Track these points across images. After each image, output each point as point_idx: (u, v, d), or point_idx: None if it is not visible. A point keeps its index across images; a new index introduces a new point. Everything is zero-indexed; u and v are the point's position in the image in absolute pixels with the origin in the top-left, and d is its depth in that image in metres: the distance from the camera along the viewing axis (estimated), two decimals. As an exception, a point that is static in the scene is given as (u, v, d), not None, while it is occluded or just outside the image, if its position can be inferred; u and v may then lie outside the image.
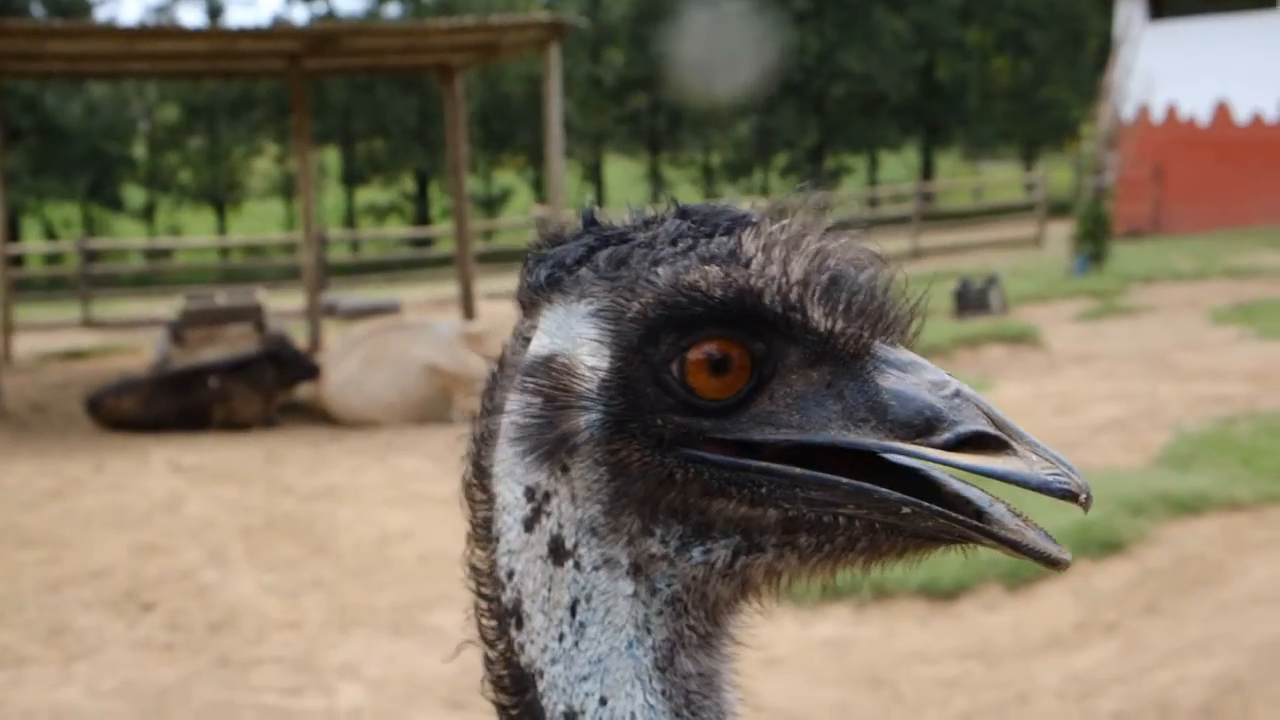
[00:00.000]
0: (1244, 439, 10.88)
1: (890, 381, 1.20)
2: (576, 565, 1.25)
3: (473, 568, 1.32)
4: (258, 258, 38.46)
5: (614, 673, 1.24)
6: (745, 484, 1.20)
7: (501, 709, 1.30)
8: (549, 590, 1.26)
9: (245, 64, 20.41)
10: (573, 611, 1.25)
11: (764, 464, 1.20)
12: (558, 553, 1.25)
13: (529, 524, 1.26)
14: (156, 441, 14.17)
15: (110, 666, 7.78)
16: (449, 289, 23.92)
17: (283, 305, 22.98)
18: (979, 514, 1.18)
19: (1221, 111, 32.64)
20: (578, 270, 1.26)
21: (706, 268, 1.20)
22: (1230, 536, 8.71)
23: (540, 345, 1.27)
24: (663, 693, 1.24)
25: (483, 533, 1.31)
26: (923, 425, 1.18)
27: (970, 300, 20.15)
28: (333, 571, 9.54)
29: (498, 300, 25.02)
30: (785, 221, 1.25)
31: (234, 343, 16.56)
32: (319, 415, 15.37)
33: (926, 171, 59.34)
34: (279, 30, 21.34)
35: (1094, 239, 24.88)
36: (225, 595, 9.06)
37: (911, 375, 1.21)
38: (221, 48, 18.49)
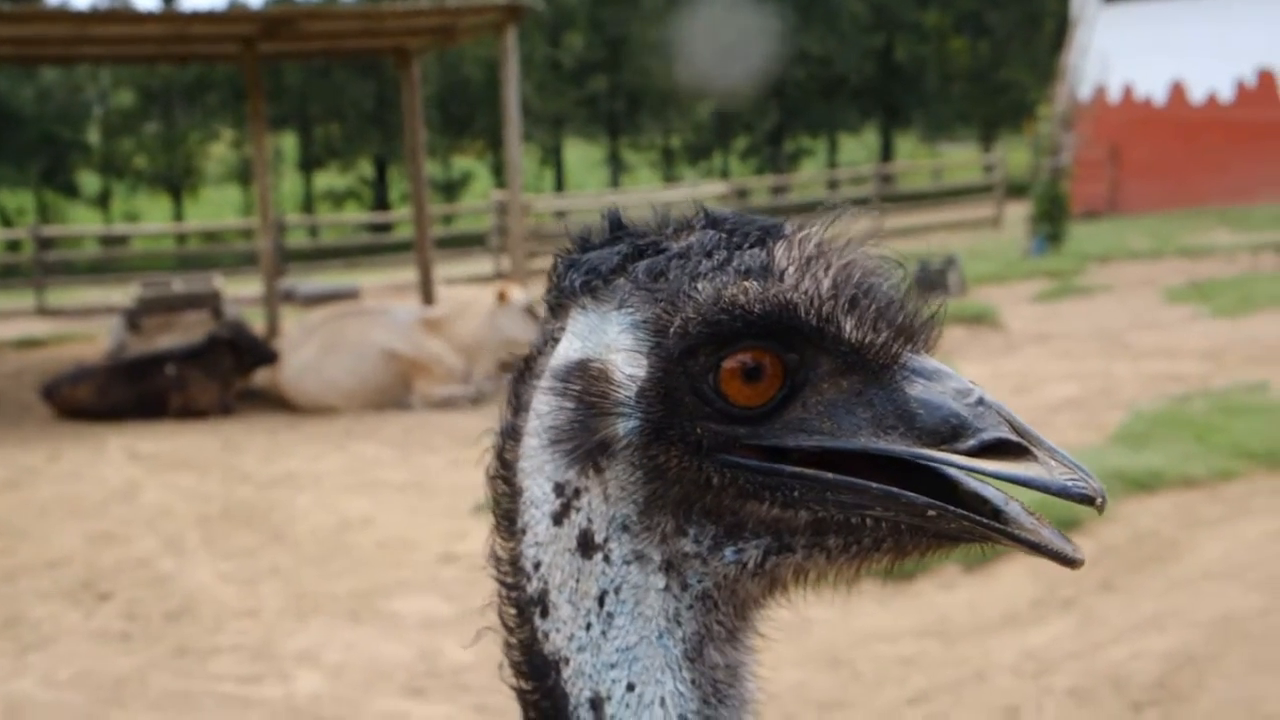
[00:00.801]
0: (1198, 416, 10.96)
1: (918, 390, 1.26)
2: (606, 559, 1.29)
3: (495, 557, 1.36)
4: (215, 244, 38.19)
5: (643, 660, 1.29)
6: (779, 488, 1.25)
7: (520, 693, 1.35)
8: (577, 581, 1.30)
9: (199, 48, 20.24)
10: (600, 602, 1.29)
11: (797, 469, 1.25)
12: (587, 546, 1.29)
13: (558, 518, 1.30)
14: (113, 430, 14.08)
15: (66, 656, 7.73)
16: (408, 274, 23.84)
17: (241, 292, 22.85)
18: (996, 513, 1.24)
19: (1177, 91, 32.83)
20: (614, 279, 1.30)
21: (745, 283, 1.24)
22: (1184, 513, 8.78)
23: (571, 349, 1.31)
24: (692, 681, 1.29)
25: (506, 524, 1.34)
26: (949, 432, 1.23)
27: (928, 281, 20.20)
28: (291, 559, 9.50)
29: (457, 285, 24.97)
30: (814, 233, 1.29)
31: (191, 330, 16.48)
32: (277, 402, 15.29)
33: (886, 153, 59.49)
34: (233, 14, 21.15)
35: (1051, 219, 25.01)
36: (182, 584, 9.01)
37: (937, 384, 1.26)
38: (175, 31, 18.34)
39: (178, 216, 52.51)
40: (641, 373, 1.26)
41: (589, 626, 1.30)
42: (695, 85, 55.48)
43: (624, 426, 1.26)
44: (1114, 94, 33.54)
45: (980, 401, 1.25)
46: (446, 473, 11.77)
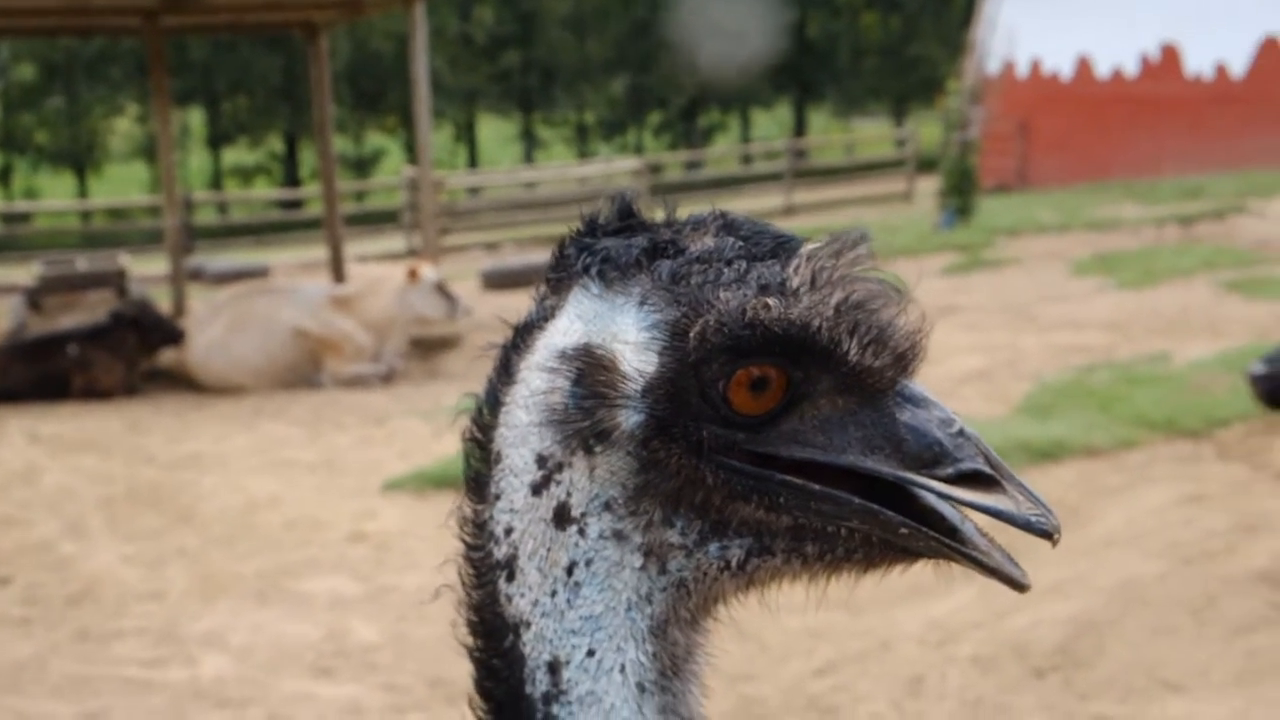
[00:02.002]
0: (1101, 387, 11.13)
1: (907, 416, 1.33)
2: (581, 532, 1.34)
3: (462, 518, 1.40)
4: (121, 222, 37.49)
5: (606, 630, 1.34)
6: (767, 492, 1.31)
7: (474, 651, 1.39)
8: (548, 550, 1.34)
9: (100, 20, 19.79)
10: (569, 572, 1.34)
11: (786, 477, 1.31)
12: (562, 518, 1.34)
13: (537, 489, 1.35)
14: (13, 411, 13.79)
15: (-37, 643, 7.58)
16: (319, 252, 23.57)
17: (147, 270, 22.46)
18: (953, 531, 1.33)
19: (1083, 66, 33.22)
20: (633, 272, 1.34)
21: (768, 300, 1.29)
22: (1087, 482, 8.91)
23: (572, 329, 1.35)
24: (653, 654, 1.35)
25: (477, 488, 1.39)
26: (930, 459, 1.31)
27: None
28: (197, 540, 9.38)
29: (370, 263, 24.74)
30: (826, 253, 1.34)
31: (94, 309, 16.16)
32: (184, 382, 15.07)
33: (799, 128, 59.71)
34: (135, -13, 20.72)
35: (960, 193, 25.21)
36: (85, 567, 8.87)
37: (924, 411, 1.33)
38: (75, 3, 17.90)
39: (81, 194, 51.56)
40: (651, 370, 1.30)
41: (554, 594, 1.34)
42: (609, 60, 55.42)
43: (628, 418, 1.31)
44: (1022, 69, 33.89)
45: (961, 433, 1.32)
46: (356, 451, 11.67)
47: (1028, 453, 9.24)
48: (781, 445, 1.31)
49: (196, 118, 56.00)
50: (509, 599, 1.36)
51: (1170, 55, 31.81)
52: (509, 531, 1.36)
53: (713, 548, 1.33)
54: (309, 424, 13.04)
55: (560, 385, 1.33)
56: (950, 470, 1.30)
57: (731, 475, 1.30)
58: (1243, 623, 6.57)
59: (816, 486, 1.31)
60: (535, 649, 1.35)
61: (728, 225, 1.37)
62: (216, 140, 55.02)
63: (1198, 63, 31.38)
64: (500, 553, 1.36)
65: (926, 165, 34.41)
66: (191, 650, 7.42)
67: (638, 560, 1.33)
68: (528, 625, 1.35)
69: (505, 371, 1.39)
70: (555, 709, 1.34)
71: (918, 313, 1.38)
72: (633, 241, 1.36)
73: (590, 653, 1.34)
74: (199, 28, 24.16)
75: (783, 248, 1.35)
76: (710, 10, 50.03)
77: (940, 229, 24.73)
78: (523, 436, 1.35)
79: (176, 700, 6.81)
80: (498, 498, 1.37)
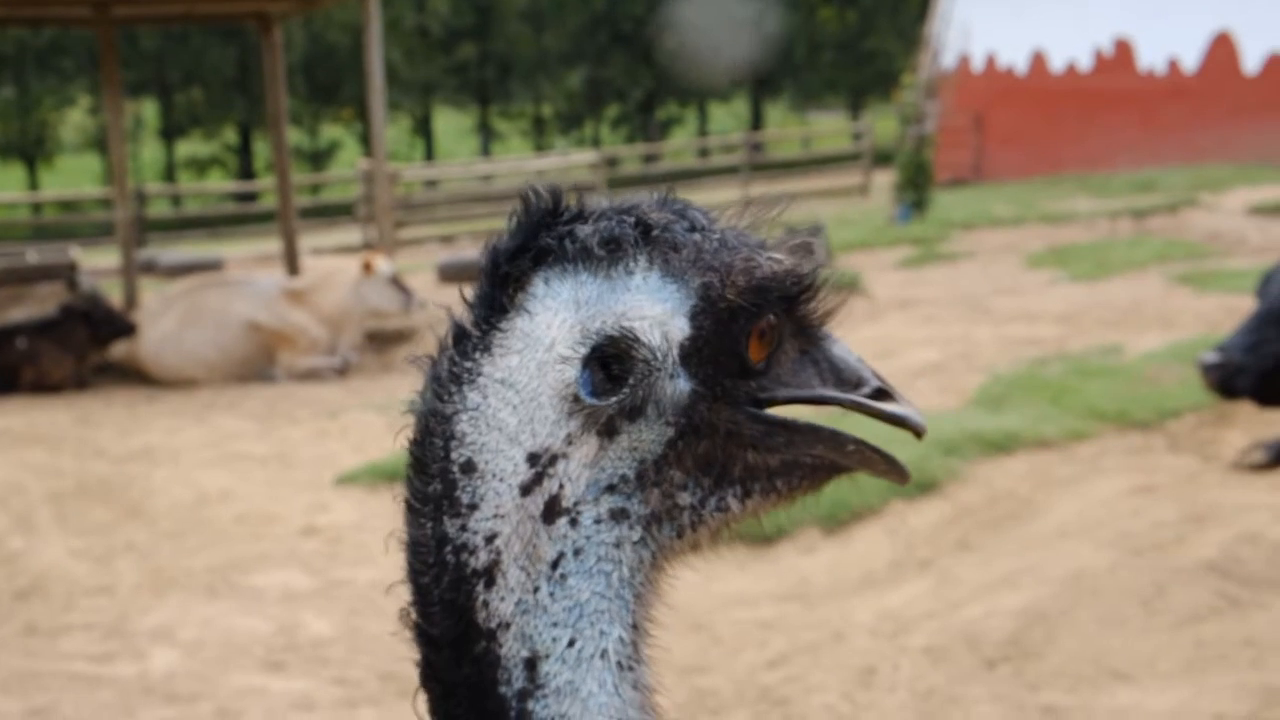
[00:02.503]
0: (1053, 379, 11.19)
1: (837, 349, 1.47)
2: (572, 522, 1.36)
3: (414, 544, 1.38)
4: (72, 214, 37.11)
5: (589, 616, 1.35)
6: (769, 435, 1.41)
7: (430, 664, 1.38)
8: (534, 548, 1.35)
9: (50, 11, 19.57)
10: (554, 565, 1.35)
11: (784, 418, 1.42)
12: (551, 512, 1.35)
13: (527, 489, 1.35)
14: (-39, 405, 13.64)
15: (-92, 639, 7.48)
16: (274, 244, 23.43)
17: (99, 263, 22.24)
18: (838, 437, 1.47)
19: (1038, 60, 33.39)
20: (634, 251, 1.38)
21: (780, 257, 1.41)
22: (1039, 473, 8.96)
23: (562, 318, 1.36)
24: (634, 626, 1.37)
25: (444, 504, 1.37)
26: (857, 381, 1.46)
27: (796, 248, 20.35)
28: (147, 535, 9.29)
29: (325, 255, 24.62)
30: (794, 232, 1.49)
31: (44, 302, 15.97)
32: (135, 375, 14.94)
33: (756, 122, 59.82)
34: (85, -23, 20.50)
35: (916, 187, 25.29)
36: (33, 562, 8.77)
37: (840, 345, 1.48)
38: (23, -6, 17.76)
39: (32, 186, 51.03)
40: (685, 336, 1.37)
41: (537, 589, 1.34)
42: (566, 53, 55.29)
43: (674, 386, 1.36)
44: (977, 63, 34.04)
45: (860, 359, 1.48)
46: (309, 445, 11.60)
47: (981, 444, 9.28)
48: (779, 389, 1.42)
49: (150, 109, 55.52)
50: (486, 605, 1.35)
51: (1123, 50, 32.01)
52: (491, 538, 1.35)
53: (713, 501, 1.40)
54: (262, 417, 12.95)
55: (576, 374, 1.35)
56: (868, 389, 1.45)
57: (753, 423, 1.39)
58: (1191, 613, 6.62)
59: (803, 422, 1.41)
60: (513, 648, 1.35)
61: (668, 204, 1.44)
62: (170, 132, 54.57)
63: (1150, 57, 31.60)
64: (479, 561, 1.35)
65: (883, 159, 34.51)
66: (141, 645, 7.35)
67: (637, 534, 1.37)
68: (507, 626, 1.35)
69: (460, 382, 1.38)
70: (530, 704, 1.34)
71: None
72: (613, 221, 1.39)
73: (571, 642, 1.34)
74: (150, 18, 23.98)
75: (722, 220, 1.46)
76: (668, 4, 50.03)
77: (896, 222, 24.82)
78: (510, 438, 1.35)
79: (125, 695, 6.74)
80: (474, 508, 1.36)
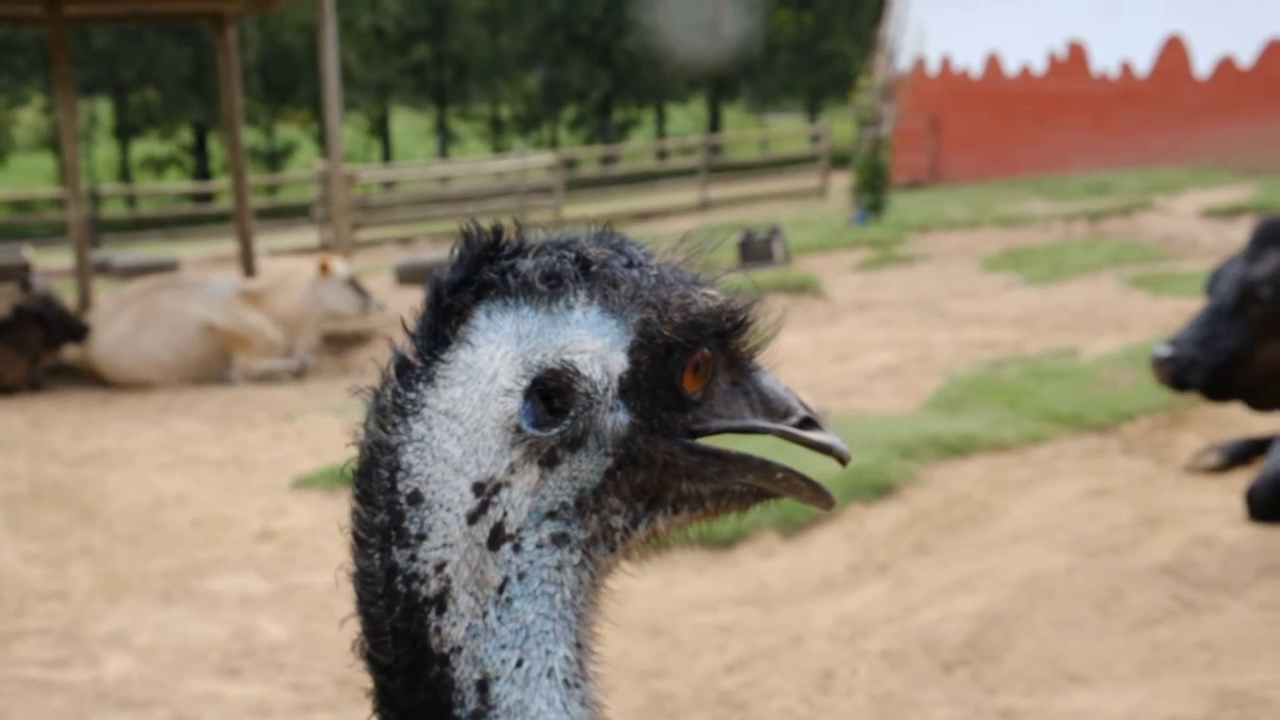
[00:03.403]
0: (1010, 382, 11.25)
1: (767, 380, 1.52)
2: (516, 548, 1.39)
3: (363, 575, 1.41)
4: (25, 214, 36.64)
5: (535, 637, 1.39)
6: (703, 464, 1.45)
7: (384, 690, 1.41)
8: (481, 574, 1.38)
9: (0, 9, 19.40)
10: (500, 590, 1.39)
11: (718, 449, 1.46)
12: (497, 539, 1.38)
13: (473, 517, 1.38)
14: (-88, 408, 13.48)
15: None
16: (230, 246, 23.28)
17: (53, 264, 22.05)
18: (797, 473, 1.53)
19: (992, 63, 33.57)
20: (574, 286, 1.41)
21: (714, 293, 1.46)
22: (996, 476, 9.00)
23: (504, 351, 1.39)
24: (578, 645, 1.41)
25: (392, 535, 1.39)
26: (785, 411, 1.51)
27: (754, 251, 20.39)
28: (101, 539, 9.22)
29: (282, 257, 24.47)
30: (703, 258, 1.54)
31: (-4, 303, 15.81)
32: (89, 377, 14.81)
33: (713, 124, 59.90)
34: (38, -25, 20.29)
35: (872, 189, 25.37)
36: (-16, 567, 8.68)
37: (769, 376, 1.53)
38: (-26, -7, 17.57)
39: (-15, 185, 50.49)
40: (624, 369, 1.40)
41: (486, 614, 1.38)
42: (523, 54, 55.15)
43: (613, 419, 1.40)
44: (933, 65, 34.20)
45: (788, 389, 1.53)
46: (266, 448, 11.53)
47: (937, 447, 9.31)
48: (712, 419, 1.46)
49: (105, 109, 55.03)
50: (438, 631, 1.38)
51: (1077, 52, 32.23)
52: (440, 566, 1.38)
53: (643, 524, 1.45)
54: (218, 420, 12.86)
55: (518, 406, 1.39)
56: (795, 419, 1.50)
57: (688, 454, 1.43)
58: (1146, 615, 6.67)
59: (735, 452, 1.46)
60: (465, 671, 1.38)
61: (606, 239, 1.49)
62: (125, 132, 54.09)
63: (1103, 60, 31.82)
64: (429, 589, 1.38)
65: (840, 161, 34.66)
66: (95, 650, 7.29)
67: (577, 557, 1.41)
68: (459, 651, 1.38)
69: (404, 413, 1.41)
70: None
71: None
72: (563, 256, 1.43)
73: (519, 663, 1.38)
74: (102, 17, 23.79)
75: (658, 255, 1.51)
76: (626, 5, 50.02)
77: (853, 225, 24.89)
78: (456, 468, 1.38)
79: (79, 701, 6.68)
80: (422, 538, 1.38)
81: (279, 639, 7.34)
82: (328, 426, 11.70)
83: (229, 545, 9.00)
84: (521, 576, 1.39)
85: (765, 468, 1.48)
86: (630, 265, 1.45)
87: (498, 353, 1.39)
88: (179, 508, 9.83)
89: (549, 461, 1.39)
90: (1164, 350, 7.30)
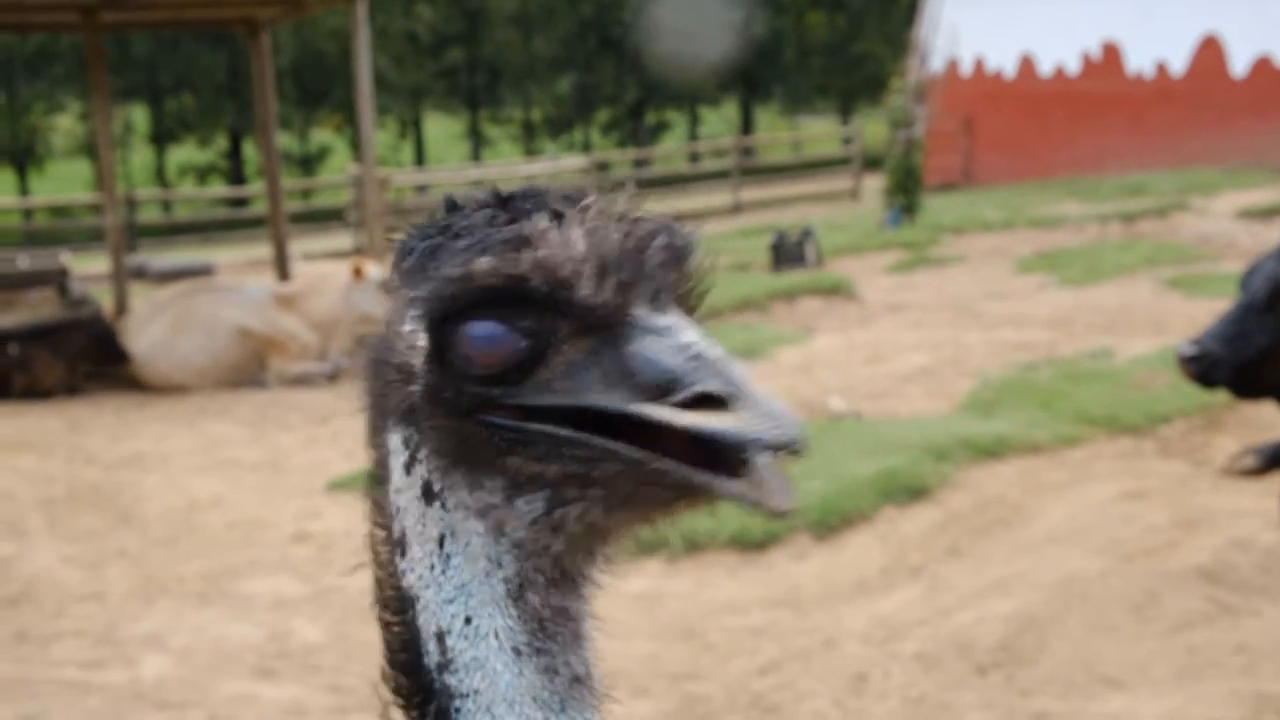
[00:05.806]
0: (1043, 384, 11.21)
1: (640, 347, 1.30)
2: (442, 505, 1.39)
3: (373, 501, 1.47)
4: (63, 220, 36.94)
5: (476, 597, 1.38)
6: (528, 444, 1.32)
7: (385, 625, 1.45)
8: (423, 526, 1.40)
9: (37, 17, 19.52)
10: (440, 544, 1.40)
11: (539, 426, 1.31)
12: (428, 494, 1.40)
13: (408, 468, 1.41)
14: (-49, 412, 13.61)
15: (-102, 648, 7.46)
16: (265, 250, 23.36)
17: (89, 269, 22.21)
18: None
19: (1026, 64, 33.44)
20: (417, 261, 1.40)
21: (478, 259, 1.32)
22: (1029, 478, 8.97)
23: (408, 325, 1.41)
24: (518, 617, 1.38)
25: (380, 473, 1.46)
26: (665, 386, 1.27)
27: (787, 253, 20.39)
28: (138, 541, 9.29)
29: (316, 261, 24.56)
30: (573, 201, 1.37)
31: (36, 308, 15.94)
32: (126, 381, 14.91)
33: (746, 126, 59.83)
34: (74, -17, 20.46)
35: (905, 191, 25.28)
36: (23, 568, 8.76)
37: (664, 340, 1.30)
38: (10, 0, 17.70)
39: (23, 191, 50.88)
40: (423, 343, 1.37)
41: (433, 567, 1.40)
42: (556, 58, 55.25)
43: (414, 390, 1.38)
44: (966, 67, 34.09)
45: (697, 356, 1.28)
46: (301, 451, 11.59)
47: (971, 449, 9.28)
48: (533, 396, 1.32)
49: (140, 115, 55.39)
50: (403, 574, 1.43)
51: (1111, 53, 32.08)
52: (398, 510, 1.43)
53: (519, 504, 1.34)
54: (253, 423, 12.94)
55: (385, 372, 1.43)
56: (682, 395, 1.25)
57: (493, 431, 1.32)
58: (1182, 619, 6.63)
59: (563, 431, 1.30)
60: (425, 620, 1.41)
61: (501, 201, 1.40)
62: (160, 137, 54.43)
63: (1138, 61, 31.66)
64: (395, 530, 1.43)
65: (873, 163, 34.55)
66: (131, 652, 7.35)
67: (479, 526, 1.38)
68: (418, 598, 1.41)
69: (388, 364, 1.44)
70: (447, 677, 1.40)
71: (656, 238, 1.37)
72: (428, 239, 1.41)
73: (468, 620, 1.39)
74: (138, 24, 23.93)
75: (540, 207, 1.35)
76: (657, 9, 50.03)
77: (886, 227, 24.83)
78: (398, 420, 1.43)
79: (116, 702, 6.73)
80: (385, 481, 1.45)
81: (314, 641, 7.38)
82: (362, 430, 11.73)
83: (264, 547, 9.05)
84: (453, 534, 1.39)
85: (611, 453, 1.29)
86: (461, 233, 1.37)
87: (408, 325, 1.41)
88: (214, 510, 9.90)
89: (417, 427, 1.40)
90: (1189, 348, 7.24)
